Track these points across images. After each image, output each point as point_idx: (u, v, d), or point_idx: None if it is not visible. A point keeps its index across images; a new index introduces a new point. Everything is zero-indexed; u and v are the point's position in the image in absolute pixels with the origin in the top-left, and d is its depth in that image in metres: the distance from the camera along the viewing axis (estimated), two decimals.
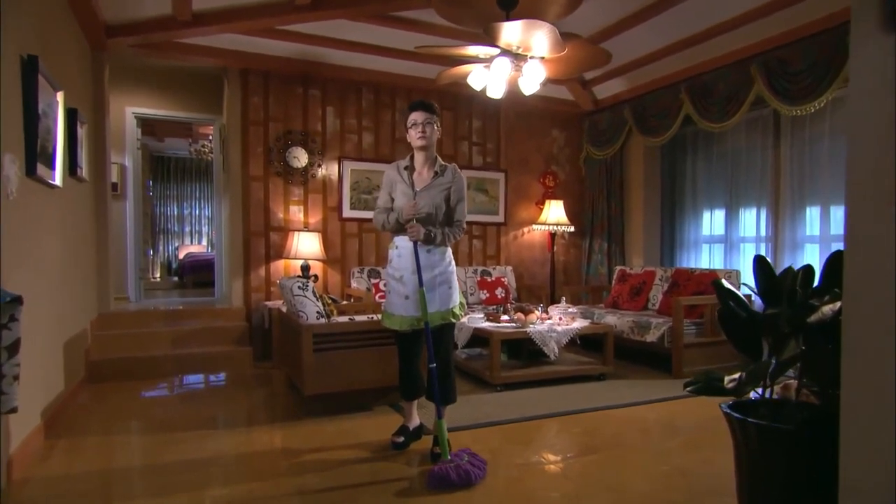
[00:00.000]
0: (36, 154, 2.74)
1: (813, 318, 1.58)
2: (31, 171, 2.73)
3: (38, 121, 2.76)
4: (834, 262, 1.72)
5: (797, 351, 1.85)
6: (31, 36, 2.85)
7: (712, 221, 6.19)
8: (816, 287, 1.81)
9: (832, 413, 1.73)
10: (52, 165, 3.15)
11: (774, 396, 1.98)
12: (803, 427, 1.70)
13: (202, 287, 8.82)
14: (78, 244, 4.04)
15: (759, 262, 1.88)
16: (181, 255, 10.99)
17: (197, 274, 9.41)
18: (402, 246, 2.86)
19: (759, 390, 1.91)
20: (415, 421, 3.05)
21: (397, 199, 2.90)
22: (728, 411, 1.89)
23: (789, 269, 1.87)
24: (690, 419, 3.46)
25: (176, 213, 12.11)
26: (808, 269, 1.91)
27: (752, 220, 5.73)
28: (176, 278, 10.72)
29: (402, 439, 2.93)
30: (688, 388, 1.93)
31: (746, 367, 1.80)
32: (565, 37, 3.53)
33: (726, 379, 1.76)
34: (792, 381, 2.26)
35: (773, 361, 1.78)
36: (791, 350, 1.87)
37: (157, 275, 11.23)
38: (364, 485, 2.48)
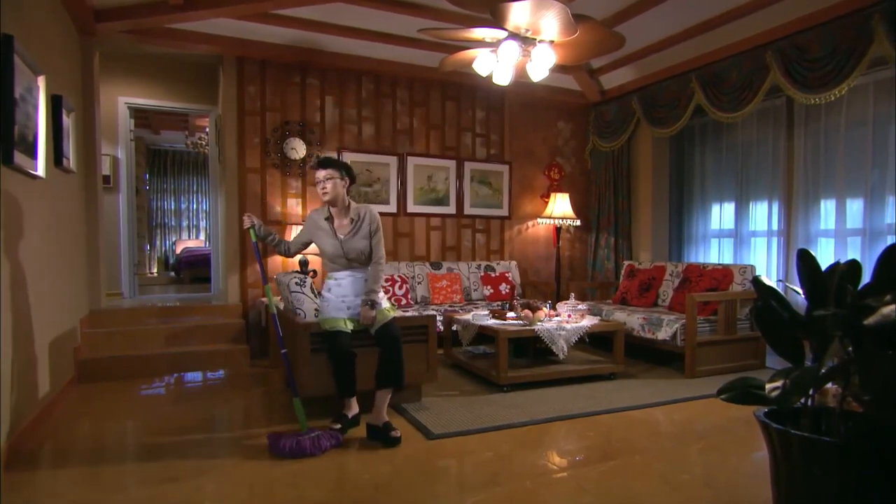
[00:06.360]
0: (13, 141, 2.55)
1: (871, 320, 1.41)
2: (7, 160, 2.55)
3: (15, 105, 2.58)
4: (891, 257, 1.54)
5: (842, 355, 1.67)
6: (5, 14, 2.66)
7: (721, 215, 6.03)
8: (866, 285, 1.63)
9: (889, 424, 1.57)
10: (33, 154, 2.97)
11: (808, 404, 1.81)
12: (856, 440, 1.53)
13: (200, 282, 8.70)
14: (65, 238, 3.86)
15: (803, 256, 1.70)
16: (178, 250, 10.83)
17: (194, 269, 9.31)
18: (340, 278, 3.16)
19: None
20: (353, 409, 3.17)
21: (324, 246, 3.16)
22: (766, 421, 1.72)
23: (837, 264, 1.69)
24: (708, 422, 3.30)
25: (173, 207, 11.97)
26: (854, 265, 1.73)
27: (763, 214, 5.57)
28: (173, 273, 10.56)
29: (339, 425, 3.05)
30: (722, 397, 1.75)
31: (788, 372, 1.63)
32: (577, 19, 3.34)
33: (768, 387, 1.58)
34: (828, 386, 2.09)
35: (819, 367, 1.61)
36: (833, 354, 1.70)
37: (154, 270, 11.08)
38: (366, 501, 2.31)
